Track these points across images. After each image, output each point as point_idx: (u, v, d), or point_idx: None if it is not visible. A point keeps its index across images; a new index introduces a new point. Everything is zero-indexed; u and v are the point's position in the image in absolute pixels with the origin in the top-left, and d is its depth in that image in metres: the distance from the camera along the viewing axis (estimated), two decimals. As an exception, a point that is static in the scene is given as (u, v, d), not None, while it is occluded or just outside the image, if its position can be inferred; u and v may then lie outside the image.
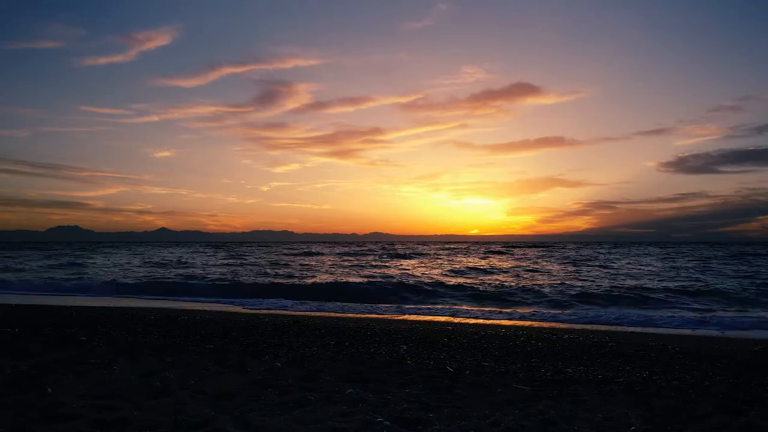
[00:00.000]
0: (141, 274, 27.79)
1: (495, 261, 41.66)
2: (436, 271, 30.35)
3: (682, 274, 26.99)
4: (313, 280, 24.83)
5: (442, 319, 13.68)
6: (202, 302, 17.52)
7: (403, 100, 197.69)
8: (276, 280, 24.63)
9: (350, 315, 14.32)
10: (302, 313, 14.64)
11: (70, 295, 19.69)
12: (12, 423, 3.94)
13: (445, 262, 39.58)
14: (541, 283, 22.68)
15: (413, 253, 56.26)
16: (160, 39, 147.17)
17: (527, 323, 12.93)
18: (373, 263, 38.26)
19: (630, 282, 22.90)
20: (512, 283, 22.63)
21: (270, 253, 56.33)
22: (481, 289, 20.73)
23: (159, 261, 40.34)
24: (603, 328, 12.13)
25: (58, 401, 4.47)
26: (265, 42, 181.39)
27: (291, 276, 27.32)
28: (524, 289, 20.23)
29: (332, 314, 14.40)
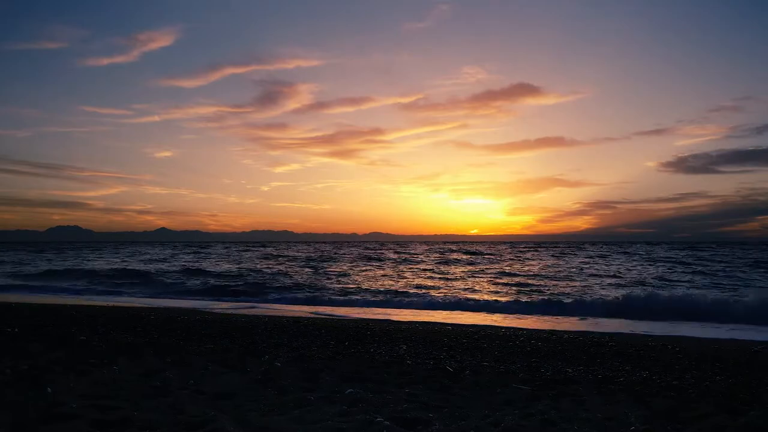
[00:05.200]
0: None
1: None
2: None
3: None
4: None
5: (442, 318, 13.68)
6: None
7: (403, 100, 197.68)
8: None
9: (350, 315, 14.32)
10: (302, 313, 14.63)
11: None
12: (12, 423, 3.93)
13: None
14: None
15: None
16: (161, 40, 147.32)
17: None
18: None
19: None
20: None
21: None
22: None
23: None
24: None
25: (58, 401, 4.46)
26: (266, 42, 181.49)
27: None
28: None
29: (332, 314, 14.40)
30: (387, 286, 22.37)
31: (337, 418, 4.35)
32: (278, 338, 8.76)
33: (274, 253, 55.63)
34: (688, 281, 24.00)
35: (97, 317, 10.90)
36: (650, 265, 34.58)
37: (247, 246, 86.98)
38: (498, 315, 14.85)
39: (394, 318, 13.58)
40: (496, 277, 26.51)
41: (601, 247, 73.34)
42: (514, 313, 15.12)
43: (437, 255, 51.38)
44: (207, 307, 15.54)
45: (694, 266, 32.41)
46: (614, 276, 26.35)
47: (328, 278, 26.16)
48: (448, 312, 15.44)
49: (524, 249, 71.45)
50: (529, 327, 12.03)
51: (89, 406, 4.36)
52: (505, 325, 12.52)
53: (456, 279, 26.09)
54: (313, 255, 51.29)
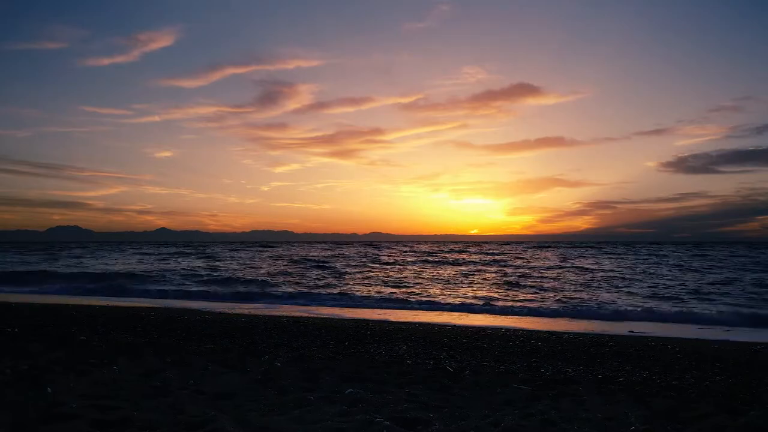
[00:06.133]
0: None
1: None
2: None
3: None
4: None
5: (443, 319, 13.68)
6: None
7: (404, 100, 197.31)
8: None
9: (350, 315, 14.31)
10: (302, 313, 14.63)
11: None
12: (12, 423, 3.94)
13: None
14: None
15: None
16: (162, 40, 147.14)
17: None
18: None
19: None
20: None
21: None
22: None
23: None
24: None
25: (58, 401, 4.47)
26: (267, 43, 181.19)
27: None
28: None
29: (332, 314, 14.39)
30: (388, 287, 22.37)
31: (337, 418, 4.36)
32: (278, 338, 8.77)
33: (274, 253, 55.69)
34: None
35: (97, 317, 10.90)
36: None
37: (247, 246, 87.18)
38: (497, 316, 14.86)
39: (394, 318, 13.58)
40: (497, 278, 26.52)
41: (615, 248, 72.76)
42: (514, 314, 15.12)
43: (438, 255, 51.44)
44: (207, 307, 15.53)
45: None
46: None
47: (328, 278, 26.17)
48: (449, 313, 15.44)
49: (525, 249, 71.45)
50: (529, 327, 12.03)
51: (89, 406, 4.36)
52: (504, 325, 12.52)
53: (457, 279, 26.09)
54: (312, 255, 51.36)
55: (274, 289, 21.47)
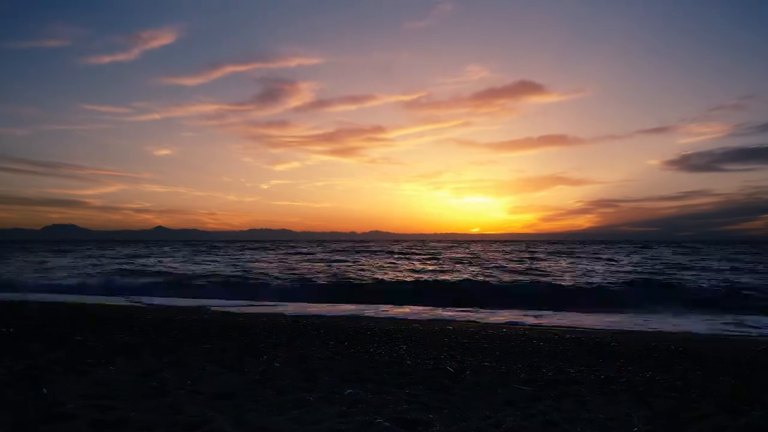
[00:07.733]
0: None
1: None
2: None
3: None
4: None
5: (443, 319, 13.64)
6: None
7: (405, 98, 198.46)
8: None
9: (350, 315, 14.28)
10: (301, 310, 14.60)
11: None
12: (12, 423, 3.91)
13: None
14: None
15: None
16: (163, 38, 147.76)
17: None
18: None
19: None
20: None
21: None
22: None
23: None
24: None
25: (57, 401, 4.45)
26: (268, 41, 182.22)
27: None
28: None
29: (332, 314, 14.36)
30: (386, 285, 22.34)
31: (336, 419, 4.33)
32: (277, 338, 8.73)
33: (272, 253, 55.67)
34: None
35: (96, 317, 10.88)
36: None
37: (246, 246, 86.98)
38: (498, 316, 14.82)
39: (394, 318, 13.55)
40: (499, 278, 26.50)
41: (619, 245, 72.48)
42: (514, 314, 15.10)
43: (438, 255, 51.39)
44: (205, 307, 15.50)
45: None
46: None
47: (327, 278, 26.14)
48: (449, 313, 15.41)
49: (526, 247, 71.30)
50: (531, 327, 12.00)
51: (88, 407, 4.35)
52: (506, 321, 12.48)
53: (458, 279, 26.05)
54: (311, 255, 51.34)
55: (273, 288, 21.44)
